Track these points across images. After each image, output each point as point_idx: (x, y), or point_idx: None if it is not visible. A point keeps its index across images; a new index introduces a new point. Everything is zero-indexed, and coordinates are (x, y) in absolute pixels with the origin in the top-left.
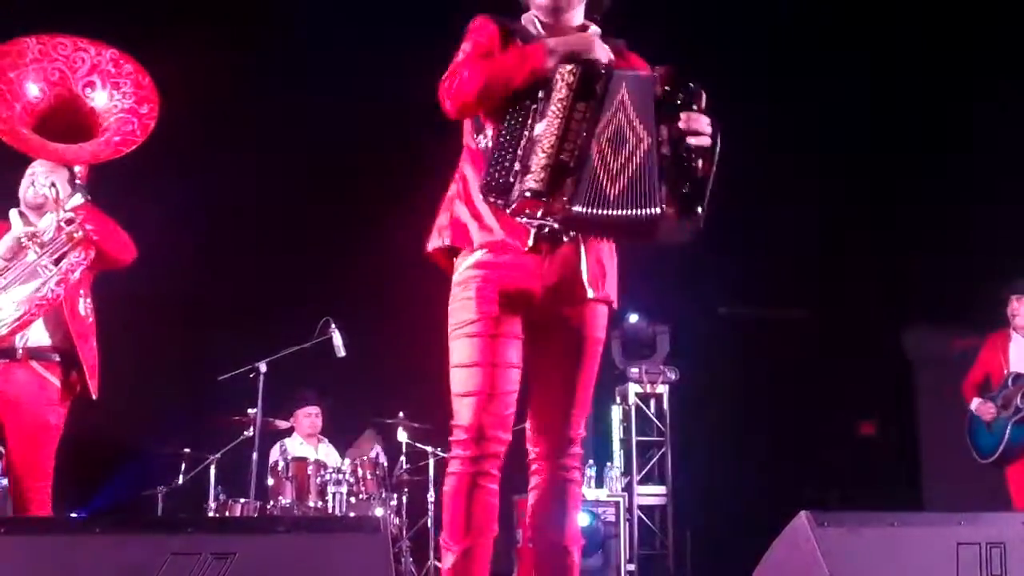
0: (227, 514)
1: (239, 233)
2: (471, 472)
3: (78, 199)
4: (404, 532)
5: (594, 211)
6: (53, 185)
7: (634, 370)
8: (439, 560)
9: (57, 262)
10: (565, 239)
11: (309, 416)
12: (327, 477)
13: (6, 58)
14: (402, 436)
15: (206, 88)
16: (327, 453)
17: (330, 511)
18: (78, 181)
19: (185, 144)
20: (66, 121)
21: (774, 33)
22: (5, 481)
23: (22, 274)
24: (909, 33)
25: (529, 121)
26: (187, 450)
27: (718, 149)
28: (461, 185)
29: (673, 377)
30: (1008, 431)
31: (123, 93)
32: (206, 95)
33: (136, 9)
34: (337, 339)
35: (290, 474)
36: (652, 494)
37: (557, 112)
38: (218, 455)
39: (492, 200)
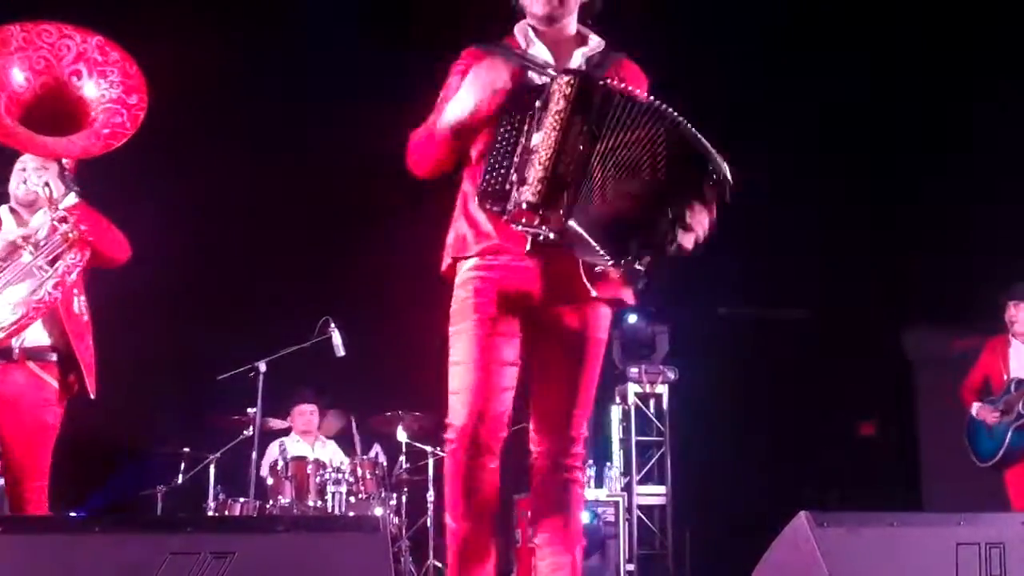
0: (226, 513)
1: (239, 232)
2: (467, 458)
3: (72, 199)
4: (403, 532)
5: (586, 232)
6: (47, 185)
7: (633, 370)
8: (438, 560)
9: (52, 263)
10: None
11: (304, 414)
12: (326, 476)
13: None
14: (401, 436)
15: (207, 85)
16: (324, 450)
17: (329, 510)
18: (67, 173)
19: (184, 140)
20: (52, 111)
21: (774, 33)
22: (1, 481)
23: (17, 276)
24: (909, 33)
25: (525, 128)
26: (186, 449)
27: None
28: (461, 201)
29: (672, 377)
30: (1009, 436)
31: (110, 82)
32: (207, 92)
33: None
34: (337, 339)
35: (289, 473)
36: (651, 494)
37: (555, 124)
38: (217, 455)
39: (488, 207)
